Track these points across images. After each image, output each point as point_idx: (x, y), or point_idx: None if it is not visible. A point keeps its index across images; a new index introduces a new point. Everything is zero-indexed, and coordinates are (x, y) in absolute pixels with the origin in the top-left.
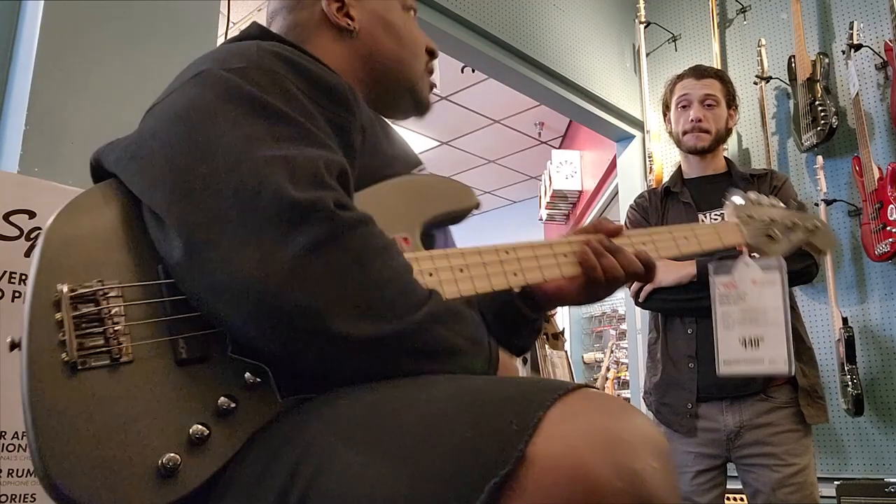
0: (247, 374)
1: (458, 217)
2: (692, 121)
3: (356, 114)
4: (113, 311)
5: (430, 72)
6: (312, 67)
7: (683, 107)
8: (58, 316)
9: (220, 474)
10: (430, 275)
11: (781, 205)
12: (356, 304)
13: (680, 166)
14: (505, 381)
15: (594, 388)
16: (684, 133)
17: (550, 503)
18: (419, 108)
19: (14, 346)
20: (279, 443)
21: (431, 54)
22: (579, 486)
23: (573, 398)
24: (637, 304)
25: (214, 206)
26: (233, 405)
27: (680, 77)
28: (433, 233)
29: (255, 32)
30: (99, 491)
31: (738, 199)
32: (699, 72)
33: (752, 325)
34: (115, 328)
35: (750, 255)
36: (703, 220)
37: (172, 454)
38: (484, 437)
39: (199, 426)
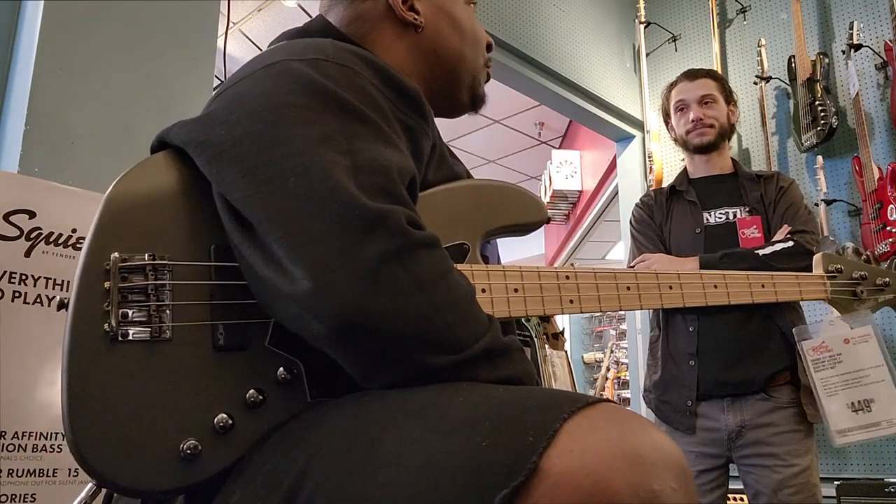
0: (279, 370)
1: (524, 230)
2: (692, 121)
3: (429, 120)
4: (160, 287)
5: (488, 65)
6: (388, 67)
7: (682, 109)
8: (106, 284)
9: (237, 460)
10: (483, 291)
11: (875, 263)
12: (412, 328)
13: (686, 168)
14: (526, 391)
15: (614, 402)
16: (687, 133)
17: None
18: (475, 103)
19: (62, 305)
20: (298, 435)
21: (489, 48)
22: (594, 502)
23: (592, 412)
24: None
25: (281, 209)
26: (261, 398)
27: (673, 83)
28: (492, 240)
29: (321, 26)
30: (120, 464)
31: (829, 249)
32: (691, 74)
33: (857, 388)
34: (160, 305)
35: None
36: (707, 219)
37: (194, 440)
38: (499, 447)
39: (225, 416)
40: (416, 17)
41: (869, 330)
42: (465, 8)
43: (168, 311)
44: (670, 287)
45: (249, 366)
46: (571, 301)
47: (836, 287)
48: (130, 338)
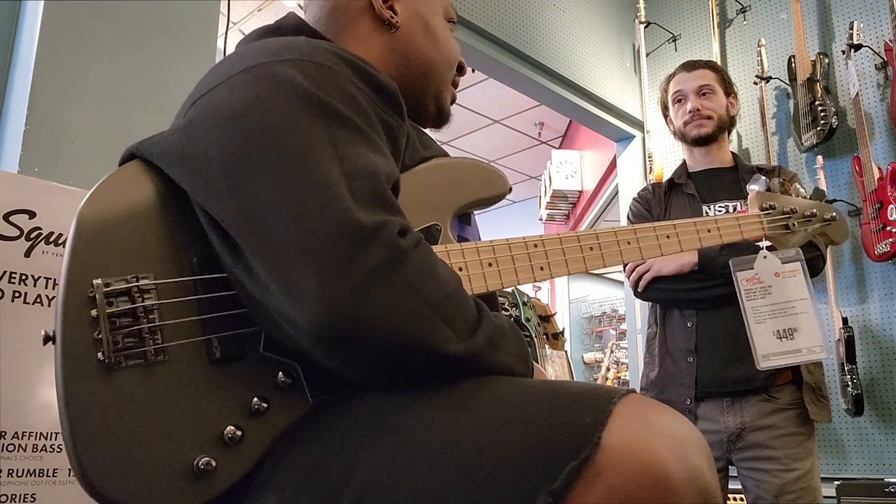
0: (279, 375)
1: (490, 202)
2: (690, 112)
3: (404, 118)
4: (147, 309)
5: (456, 85)
6: (365, 64)
7: (679, 101)
8: (93, 312)
9: (254, 474)
10: (460, 269)
11: (803, 193)
12: (412, 328)
13: (685, 161)
14: (559, 383)
15: (639, 394)
16: (685, 124)
17: (623, 488)
18: (440, 118)
19: (48, 339)
20: (323, 451)
21: (460, 69)
22: (651, 473)
23: (632, 399)
24: (636, 294)
25: (274, 222)
26: (265, 406)
27: (672, 75)
28: (463, 215)
29: (294, 24)
30: (134, 490)
31: (759, 187)
32: (690, 65)
33: (783, 318)
34: (150, 326)
35: (768, 248)
36: (707, 213)
37: (207, 456)
38: (561, 425)
39: (233, 427)
40: (394, 15)
41: (797, 266)
42: (442, 21)
43: (160, 332)
44: (628, 243)
45: (249, 375)
46: (542, 268)
47: (771, 223)
48: (126, 364)
